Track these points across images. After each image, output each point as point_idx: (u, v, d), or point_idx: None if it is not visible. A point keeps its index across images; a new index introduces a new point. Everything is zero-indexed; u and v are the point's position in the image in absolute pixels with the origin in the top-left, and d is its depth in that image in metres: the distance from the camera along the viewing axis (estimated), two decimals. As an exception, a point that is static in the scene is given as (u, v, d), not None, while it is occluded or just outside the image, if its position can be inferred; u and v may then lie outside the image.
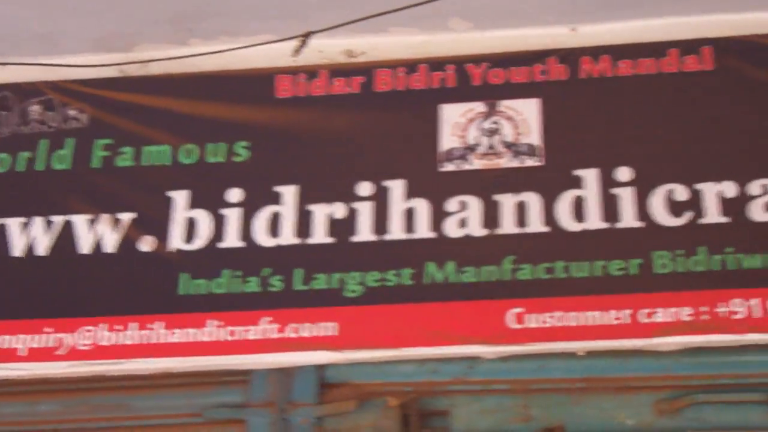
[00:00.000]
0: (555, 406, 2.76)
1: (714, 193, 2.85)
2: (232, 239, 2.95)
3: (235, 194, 3.01)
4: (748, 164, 2.88)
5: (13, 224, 3.05)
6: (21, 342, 2.85)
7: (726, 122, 2.98)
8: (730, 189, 2.84)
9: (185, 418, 2.84)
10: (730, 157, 2.91)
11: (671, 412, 2.70)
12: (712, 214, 2.81)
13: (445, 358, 2.77)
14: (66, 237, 3.02)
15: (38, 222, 3.04)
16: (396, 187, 2.98)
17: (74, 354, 2.82)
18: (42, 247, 3.00)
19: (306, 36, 2.99)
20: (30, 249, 3.01)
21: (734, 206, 2.81)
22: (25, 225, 3.05)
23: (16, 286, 2.98)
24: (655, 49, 3.11)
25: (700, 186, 2.86)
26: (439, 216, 2.91)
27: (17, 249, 3.01)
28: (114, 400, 2.87)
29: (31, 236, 3.02)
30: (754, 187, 2.84)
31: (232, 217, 2.98)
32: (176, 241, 2.97)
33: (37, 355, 2.83)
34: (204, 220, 2.99)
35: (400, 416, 2.77)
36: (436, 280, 2.80)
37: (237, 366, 2.81)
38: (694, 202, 2.84)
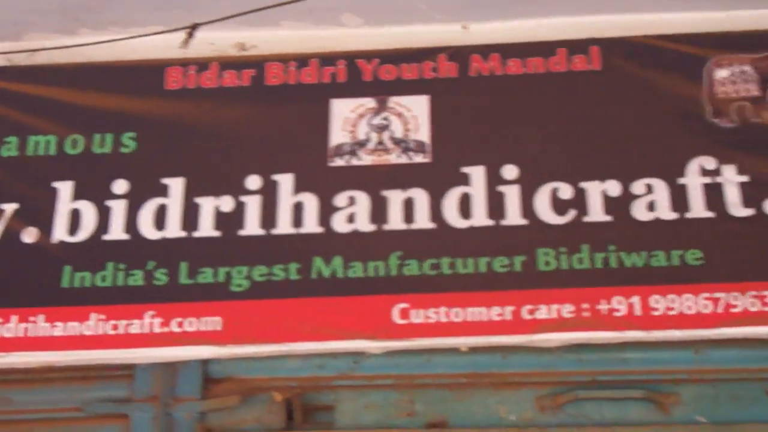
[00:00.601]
0: (439, 401, 2.79)
1: (598, 192, 2.89)
2: (117, 232, 2.92)
3: (120, 186, 2.98)
4: (632, 164, 2.93)
5: None
6: None
7: (612, 122, 3.03)
8: (613, 188, 2.88)
9: (67, 413, 2.81)
10: (615, 157, 2.95)
11: (553, 408, 2.73)
12: (596, 213, 2.85)
13: (331, 353, 2.78)
14: None
15: None
16: (284, 182, 2.97)
17: None
18: None
19: (193, 28, 2.98)
20: None
21: (617, 205, 2.85)
22: None
23: None
24: (544, 49, 3.14)
25: (584, 185, 2.90)
26: (327, 211, 2.92)
27: None
28: None
29: None
30: (638, 186, 2.88)
31: (118, 209, 2.95)
32: (60, 232, 2.93)
33: None
34: (89, 211, 2.95)
35: (284, 411, 2.77)
36: (323, 275, 2.80)
37: (120, 360, 2.79)
38: (579, 201, 2.88)
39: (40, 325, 2.77)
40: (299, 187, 2.96)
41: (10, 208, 2.97)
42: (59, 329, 2.77)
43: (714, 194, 2.87)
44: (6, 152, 3.07)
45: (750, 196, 2.86)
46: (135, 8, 3.07)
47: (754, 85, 3.02)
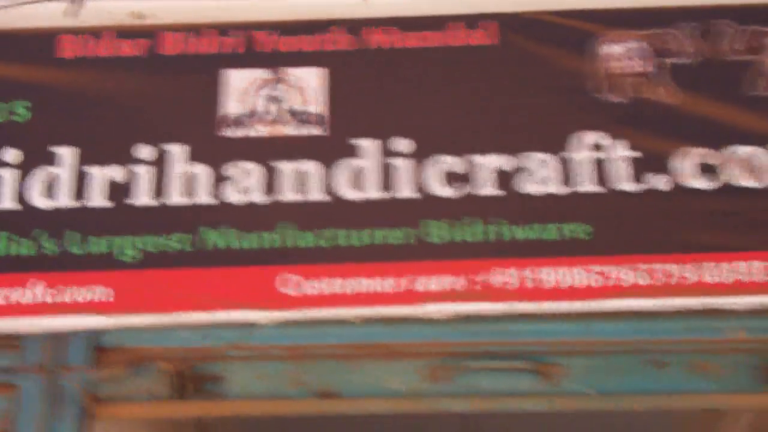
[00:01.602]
0: (329, 372, 2.82)
1: (489, 165, 2.92)
2: (6, 201, 2.90)
3: (11, 155, 2.96)
4: (524, 139, 2.97)
5: None
6: None
7: (506, 97, 3.05)
8: (505, 162, 2.91)
9: None
10: (507, 132, 2.98)
11: (443, 379, 2.76)
12: (487, 186, 2.88)
13: (221, 323, 2.78)
14: None
15: None
16: (176, 152, 2.97)
17: None
18: None
19: None
20: None
21: (508, 179, 2.89)
22: None
23: None
24: (443, 22, 3.16)
25: (475, 158, 2.93)
26: (218, 181, 2.92)
27: None
28: None
29: None
30: (529, 160, 2.92)
31: (9, 178, 2.93)
32: None
33: None
34: None
35: (174, 381, 2.77)
36: (214, 245, 2.81)
37: (8, 330, 2.77)
38: (470, 174, 2.91)
39: None
40: (191, 157, 2.96)
41: None
42: None
43: (603, 169, 2.90)
44: None
45: (639, 171, 2.90)
46: None
47: (647, 62, 3.07)
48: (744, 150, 2.90)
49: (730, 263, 2.73)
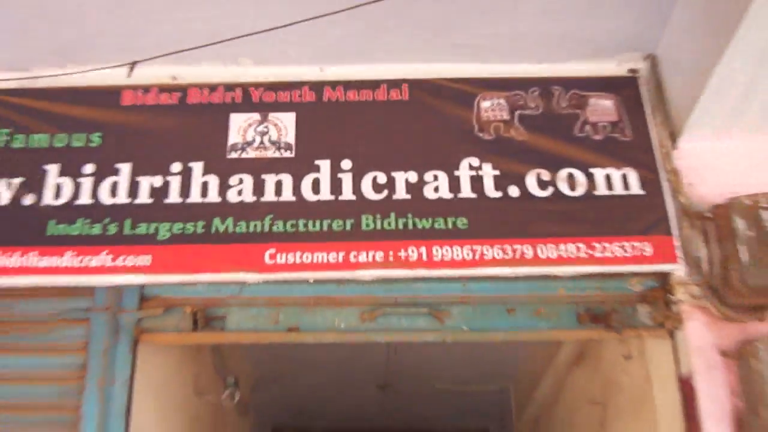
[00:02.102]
0: (295, 314, 3.06)
1: (402, 179, 3.15)
2: (85, 198, 3.09)
3: (89, 168, 3.16)
4: (425, 161, 3.17)
5: None
6: None
7: (414, 134, 3.25)
8: (412, 177, 3.15)
9: (51, 317, 2.98)
10: (414, 156, 3.18)
11: (369, 320, 3.06)
12: (401, 192, 3.10)
13: (224, 281, 2.98)
14: None
15: None
16: (196, 167, 3.16)
17: None
18: None
19: (133, 64, 3.17)
20: None
21: (415, 188, 3.11)
22: None
23: None
24: (372, 84, 3.36)
25: (394, 174, 3.15)
26: (224, 187, 3.10)
27: None
28: (2, 305, 3.01)
29: None
30: (428, 176, 3.15)
31: (86, 183, 3.12)
32: (47, 198, 3.09)
33: None
34: (67, 185, 3.12)
35: (192, 319, 3.00)
36: (219, 230, 2.99)
37: (85, 284, 2.95)
38: (390, 184, 3.12)
39: (32, 259, 2.93)
40: (206, 171, 3.14)
41: (16, 181, 3.13)
42: (45, 262, 2.93)
43: (477, 182, 3.10)
44: (16, 144, 3.23)
45: (499, 184, 3.11)
46: (103, 51, 3.27)
47: (506, 112, 3.27)
48: (568, 171, 3.13)
49: (556, 245, 2.95)
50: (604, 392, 3.88)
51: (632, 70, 3.33)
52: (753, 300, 2.74)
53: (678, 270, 2.89)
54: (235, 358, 4.85)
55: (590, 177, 3.09)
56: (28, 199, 3.09)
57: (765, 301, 2.75)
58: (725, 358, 2.75)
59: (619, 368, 3.62)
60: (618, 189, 3.07)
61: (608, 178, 3.10)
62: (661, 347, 2.97)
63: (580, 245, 2.94)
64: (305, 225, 3.00)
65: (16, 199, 3.09)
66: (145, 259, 2.96)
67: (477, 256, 2.94)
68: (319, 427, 6.20)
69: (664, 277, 2.94)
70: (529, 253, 2.95)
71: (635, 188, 3.07)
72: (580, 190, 3.08)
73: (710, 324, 2.81)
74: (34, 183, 3.12)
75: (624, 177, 3.09)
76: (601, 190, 3.07)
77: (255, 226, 3.01)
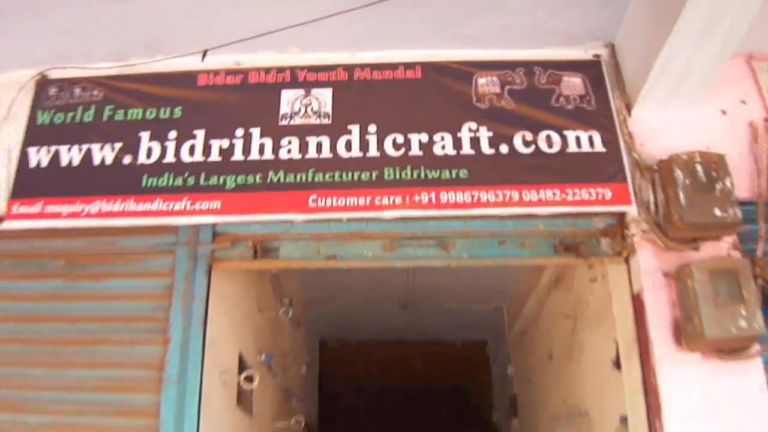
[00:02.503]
0: (333, 246, 3.15)
1: (416, 139, 3.21)
2: (169, 157, 3.20)
3: (172, 134, 3.26)
4: (434, 125, 3.23)
5: (63, 149, 3.31)
6: (63, 209, 3.13)
7: (425, 104, 3.30)
8: (424, 138, 3.22)
9: (145, 250, 3.14)
10: (426, 121, 3.24)
11: (391, 250, 3.17)
12: (416, 150, 3.16)
13: (277, 221, 3.08)
14: (87, 156, 3.28)
15: (74, 148, 3.29)
16: (255, 132, 3.25)
17: (89, 215, 3.11)
18: (68, 160, 3.24)
19: (204, 53, 3.21)
20: (58, 160, 3.25)
21: (426, 146, 3.20)
22: (69, 149, 3.29)
23: (66, 179, 3.20)
24: (392, 66, 3.42)
25: (410, 135, 3.21)
26: (276, 147, 3.19)
27: (64, 161, 3.24)
28: (108, 240, 3.15)
29: (71, 155, 3.27)
30: (436, 137, 3.21)
31: (170, 146, 3.23)
32: (141, 158, 3.22)
33: (72, 215, 3.13)
34: (156, 148, 3.23)
35: (253, 250, 3.11)
36: (273, 180, 3.09)
37: (171, 224, 3.10)
38: (407, 143, 3.19)
39: (130, 204, 3.07)
40: (263, 135, 3.23)
41: (117, 145, 3.26)
42: (140, 207, 3.07)
43: (475, 141, 3.17)
44: (117, 117, 3.33)
45: (493, 143, 3.19)
46: (182, 44, 3.38)
47: (498, 87, 3.36)
48: (546, 133, 3.21)
49: (537, 190, 3.02)
50: (575, 308, 3.96)
51: (596, 55, 3.41)
52: (689, 233, 2.84)
53: (631, 210, 2.97)
54: (289, 284, 4.93)
55: (564, 138, 3.15)
56: (127, 159, 3.20)
57: (698, 234, 2.84)
58: (667, 278, 2.85)
59: (587, 289, 3.71)
60: (585, 147, 3.13)
61: (578, 138, 3.16)
62: (618, 271, 3.04)
63: (556, 191, 3.02)
64: (340, 176, 3.06)
65: (117, 159, 3.20)
66: (216, 204, 3.05)
67: (475, 200, 3.01)
68: (355, 339, 6.43)
69: (620, 216, 3.01)
70: (515, 196, 3.01)
71: (598, 147, 3.14)
72: (556, 148, 3.13)
73: (656, 252, 2.89)
74: (131, 147, 3.21)
75: (590, 138, 3.16)
76: (572, 148, 3.13)
77: (300, 177, 3.08)
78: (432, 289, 5.24)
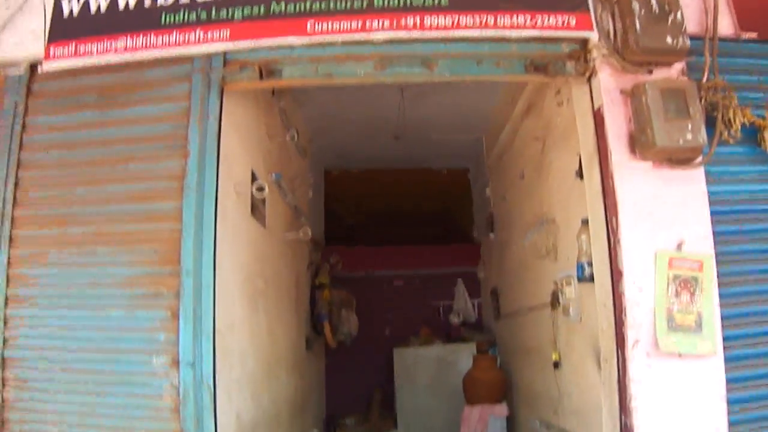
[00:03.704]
0: (329, 66, 3.20)
1: None
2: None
3: None
4: None
5: None
6: (94, 48, 3.24)
7: None
8: None
9: (167, 77, 3.28)
10: None
11: (381, 68, 3.24)
12: None
13: (280, 45, 3.19)
14: (113, 1, 3.32)
15: None
16: None
17: (117, 50, 3.26)
18: (96, 6, 3.34)
19: None
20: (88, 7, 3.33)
21: None
22: None
23: (95, 22, 3.25)
24: None
25: None
26: None
27: (93, 8, 3.33)
28: (132, 73, 3.28)
29: (99, 2, 3.34)
30: None
31: None
32: (160, 0, 3.29)
33: (102, 53, 3.27)
34: None
35: (259, 73, 3.18)
36: (275, 10, 3.20)
37: (186, 54, 3.23)
38: None
39: (153, 39, 3.21)
40: None
41: None
42: (160, 40, 3.21)
43: None
44: None
45: None
46: None
47: None
48: None
49: (511, 16, 3.13)
50: (545, 131, 4.11)
51: None
52: (643, 58, 2.99)
53: (593, 36, 3.07)
54: (296, 117, 5.01)
55: (534, -28, 2.92)
56: (147, 2, 3.28)
57: (651, 59, 3.00)
58: (624, 96, 3.01)
59: (554, 113, 3.87)
60: (554, -19, 2.92)
61: (547, -26, 2.94)
62: (582, 91, 3.19)
63: (527, 16, 3.11)
64: (335, 3, 3.11)
65: (139, 3, 3.28)
66: (225, 33, 3.16)
67: (455, 23, 3.09)
68: (355, 167, 6.89)
69: (584, 42, 3.11)
70: (491, 21, 3.10)
71: (567, -19, 2.94)
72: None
73: (614, 74, 3.04)
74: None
75: (559, -26, 2.94)
76: (542, -20, 2.91)
77: (299, 6, 3.14)
78: (422, 121, 5.46)
